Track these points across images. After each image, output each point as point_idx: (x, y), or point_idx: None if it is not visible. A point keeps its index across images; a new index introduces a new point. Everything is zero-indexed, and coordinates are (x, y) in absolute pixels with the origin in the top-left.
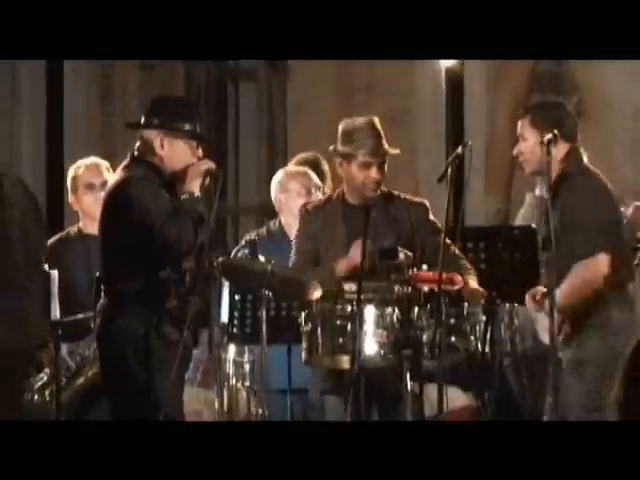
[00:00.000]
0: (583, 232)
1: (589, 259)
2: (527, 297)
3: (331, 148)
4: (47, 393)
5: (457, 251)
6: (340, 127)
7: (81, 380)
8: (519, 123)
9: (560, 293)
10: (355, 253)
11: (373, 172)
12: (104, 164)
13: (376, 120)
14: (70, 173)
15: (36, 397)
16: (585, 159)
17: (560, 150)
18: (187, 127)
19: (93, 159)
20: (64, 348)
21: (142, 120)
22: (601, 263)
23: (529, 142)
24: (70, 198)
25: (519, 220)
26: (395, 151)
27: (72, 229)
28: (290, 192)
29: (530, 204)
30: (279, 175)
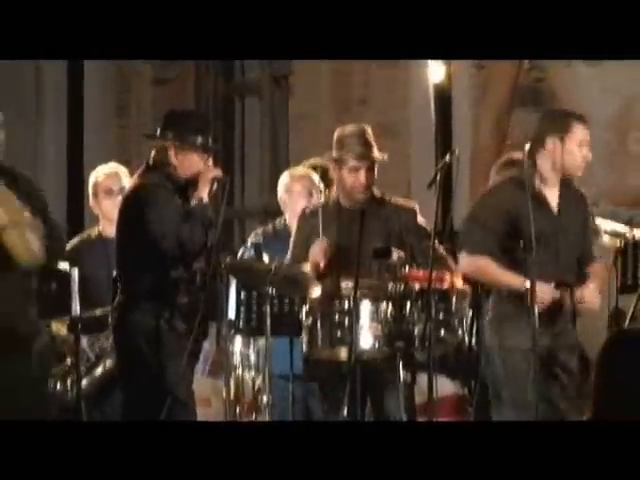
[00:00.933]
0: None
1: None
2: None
3: (325, 155)
4: (68, 382)
5: (444, 252)
6: (335, 134)
7: (99, 370)
8: (584, 130)
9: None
10: (315, 252)
11: (361, 176)
12: (122, 171)
13: (366, 128)
14: (91, 179)
15: (58, 385)
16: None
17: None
18: (199, 141)
19: (112, 166)
20: (84, 340)
21: (158, 132)
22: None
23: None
24: (91, 202)
25: None
26: (382, 157)
27: (92, 231)
28: (292, 193)
29: None
30: (284, 177)
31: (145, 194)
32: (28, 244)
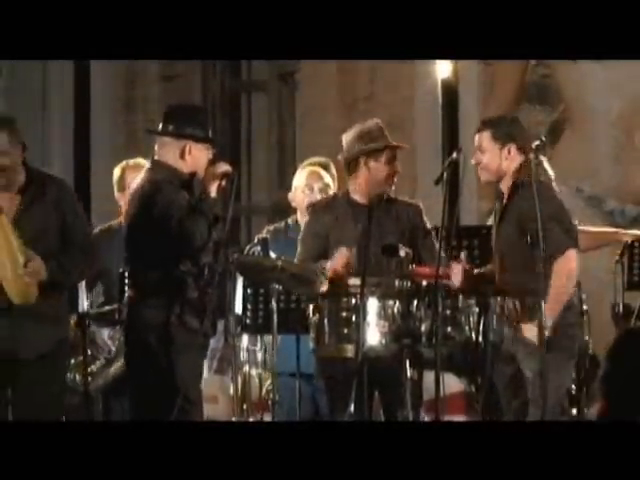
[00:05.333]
0: (548, 233)
1: (564, 256)
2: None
3: (354, 150)
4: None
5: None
6: (356, 130)
7: (119, 363)
8: (477, 136)
9: (550, 304)
10: (336, 260)
11: (397, 165)
12: (148, 164)
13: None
14: (117, 172)
15: (77, 377)
16: (547, 168)
17: (515, 161)
18: (200, 133)
19: (139, 159)
20: (105, 333)
21: (159, 127)
22: (572, 258)
23: (488, 153)
24: (116, 195)
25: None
26: (406, 145)
27: (115, 223)
28: (296, 190)
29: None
30: (295, 176)
31: (151, 190)
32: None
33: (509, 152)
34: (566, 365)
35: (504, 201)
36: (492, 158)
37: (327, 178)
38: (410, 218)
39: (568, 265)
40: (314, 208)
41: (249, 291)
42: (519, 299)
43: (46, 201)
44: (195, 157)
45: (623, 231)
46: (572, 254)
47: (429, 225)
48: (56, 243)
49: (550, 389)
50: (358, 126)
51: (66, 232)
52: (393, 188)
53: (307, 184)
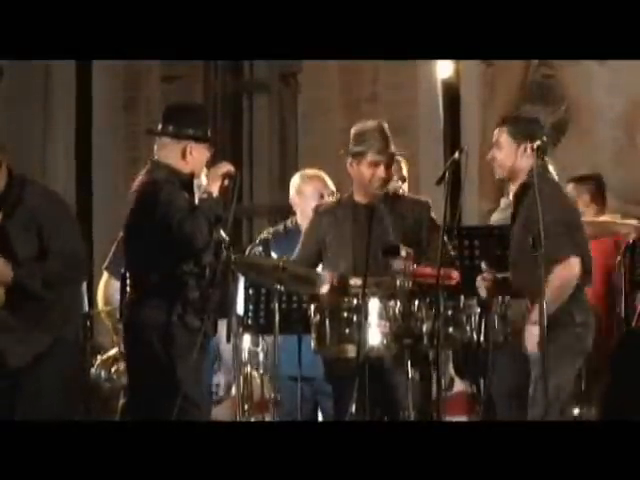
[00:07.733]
0: (553, 237)
1: (564, 262)
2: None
3: (342, 151)
4: (113, 370)
5: (452, 251)
6: (352, 130)
7: None
8: (496, 131)
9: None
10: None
11: (380, 170)
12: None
13: (385, 124)
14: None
15: (102, 374)
16: (552, 171)
17: (529, 161)
18: (199, 132)
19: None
20: None
21: (159, 128)
22: (574, 265)
23: (504, 150)
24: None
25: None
26: (401, 153)
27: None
28: (303, 194)
29: (503, 209)
30: (296, 178)
31: (152, 190)
32: None
33: (525, 151)
34: (568, 364)
35: (513, 201)
36: (508, 155)
37: (330, 183)
38: (416, 215)
39: (565, 272)
40: (318, 210)
41: (251, 291)
42: (529, 300)
43: (24, 208)
44: (196, 157)
45: (620, 221)
46: (573, 262)
47: (439, 222)
48: (32, 250)
49: (549, 388)
50: (357, 125)
51: (45, 241)
52: (399, 186)
53: (318, 190)
